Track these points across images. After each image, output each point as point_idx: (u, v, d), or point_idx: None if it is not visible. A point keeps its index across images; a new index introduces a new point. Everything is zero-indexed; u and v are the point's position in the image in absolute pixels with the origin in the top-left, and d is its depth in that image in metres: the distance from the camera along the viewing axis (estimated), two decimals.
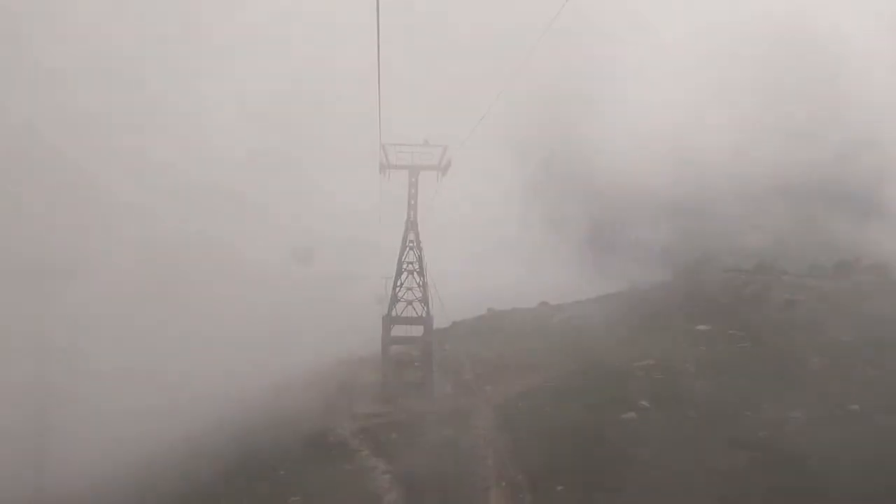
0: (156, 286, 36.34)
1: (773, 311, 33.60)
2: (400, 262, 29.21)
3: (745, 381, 21.24)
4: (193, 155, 44.03)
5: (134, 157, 42.29)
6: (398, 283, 29.30)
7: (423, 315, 29.35)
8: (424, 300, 29.27)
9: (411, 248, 29.14)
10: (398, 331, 30.08)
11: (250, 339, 34.73)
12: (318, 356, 35.11)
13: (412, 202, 29.07)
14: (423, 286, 29.14)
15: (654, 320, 38.47)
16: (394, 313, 29.28)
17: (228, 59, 57.73)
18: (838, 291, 38.38)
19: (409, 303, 29.54)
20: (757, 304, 35.94)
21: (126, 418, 29.29)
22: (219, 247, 38.32)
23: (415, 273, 29.28)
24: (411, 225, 29.27)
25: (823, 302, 35.28)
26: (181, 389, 31.36)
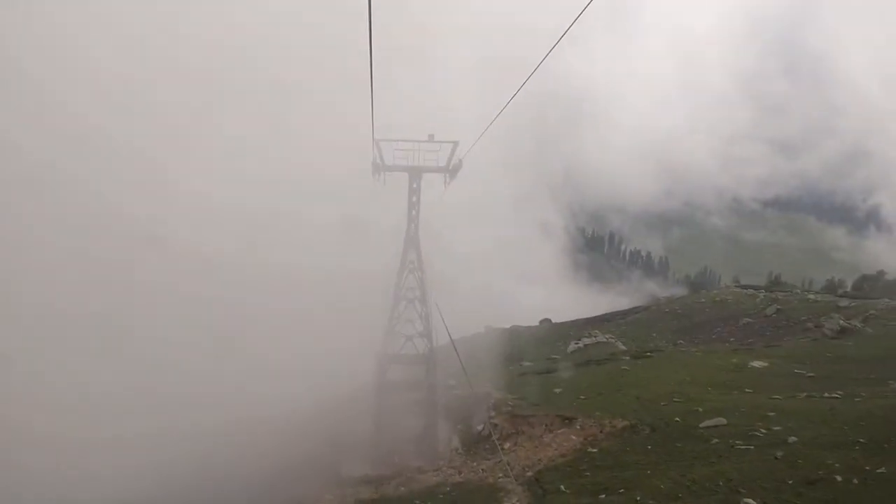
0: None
1: (830, 342, 27.02)
2: (398, 289, 21.87)
3: (876, 462, 14.01)
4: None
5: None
6: (395, 314, 22.07)
7: (426, 352, 22.20)
8: (427, 335, 21.95)
9: (412, 272, 21.84)
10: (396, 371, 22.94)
11: (220, 377, 27.35)
12: (303, 394, 27.62)
13: (413, 212, 21.75)
14: (426, 318, 21.87)
15: (687, 344, 31.78)
16: (390, 350, 22.12)
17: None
18: (881, 314, 32.09)
19: (409, 338, 22.34)
20: (805, 332, 29.39)
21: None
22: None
23: (416, 301, 22.04)
24: (412, 241, 21.99)
25: (877, 328, 28.90)
26: (141, 441, 24.34)
